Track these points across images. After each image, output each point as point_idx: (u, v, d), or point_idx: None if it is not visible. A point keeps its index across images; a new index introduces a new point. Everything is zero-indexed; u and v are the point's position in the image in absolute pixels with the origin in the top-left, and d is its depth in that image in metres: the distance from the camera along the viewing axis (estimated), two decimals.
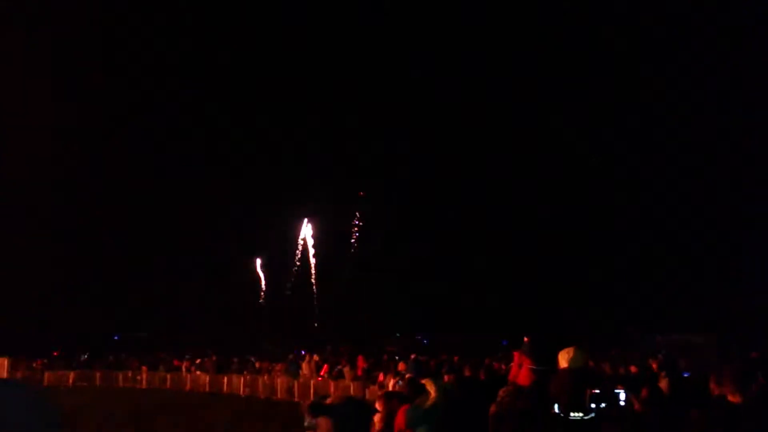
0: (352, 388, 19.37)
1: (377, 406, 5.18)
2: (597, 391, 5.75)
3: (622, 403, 5.72)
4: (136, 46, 59.67)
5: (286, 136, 61.58)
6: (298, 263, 60.15)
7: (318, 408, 2.92)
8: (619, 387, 5.76)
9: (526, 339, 8.02)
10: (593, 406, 5.53)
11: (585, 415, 6.26)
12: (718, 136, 44.35)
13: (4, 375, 18.71)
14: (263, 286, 62.15)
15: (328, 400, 3.04)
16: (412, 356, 16.40)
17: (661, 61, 50.48)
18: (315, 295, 60.51)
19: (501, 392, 6.01)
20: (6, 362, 29.68)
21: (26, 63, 50.65)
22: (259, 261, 61.68)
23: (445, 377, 8.64)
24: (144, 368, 31.82)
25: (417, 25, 59.75)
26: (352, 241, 59.04)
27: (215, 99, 60.77)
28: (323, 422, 2.85)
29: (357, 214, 58.72)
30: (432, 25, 59.64)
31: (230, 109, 60.68)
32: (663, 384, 10.58)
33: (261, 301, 62.18)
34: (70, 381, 32.11)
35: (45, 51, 52.90)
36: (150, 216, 57.28)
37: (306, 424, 2.92)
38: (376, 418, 4.66)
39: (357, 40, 60.24)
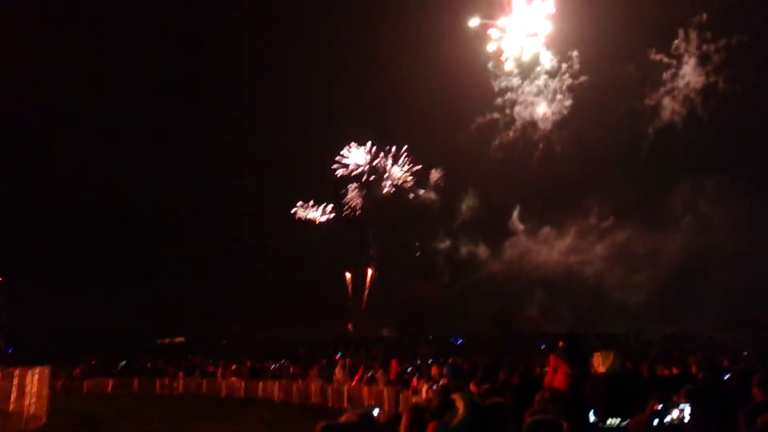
0: (385, 393, 19.27)
1: (403, 419, 5.10)
2: (659, 407, 5.50)
3: (686, 419, 5.44)
4: None
5: None
6: None
7: (331, 429, 2.82)
8: (682, 400, 5.54)
9: (561, 343, 7.90)
10: (656, 423, 5.28)
11: (622, 421, 6.12)
12: None
13: (46, 383, 19.09)
14: None
15: (342, 418, 2.94)
16: (450, 360, 16.25)
17: None
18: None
19: (537, 397, 5.91)
20: (47, 371, 30.16)
21: None
22: None
23: (473, 387, 8.49)
24: (181, 374, 32.13)
25: None
26: None
27: None
28: None
29: None
30: None
31: None
32: (700, 386, 10.32)
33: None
34: (109, 388, 32.54)
35: None
36: (189, 222, 57.83)
37: None
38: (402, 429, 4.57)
39: None
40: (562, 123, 49.43)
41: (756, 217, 39.90)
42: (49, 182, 54.92)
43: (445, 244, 57.37)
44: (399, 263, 58.79)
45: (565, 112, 48.95)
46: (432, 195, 58.15)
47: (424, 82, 51.24)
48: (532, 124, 50.50)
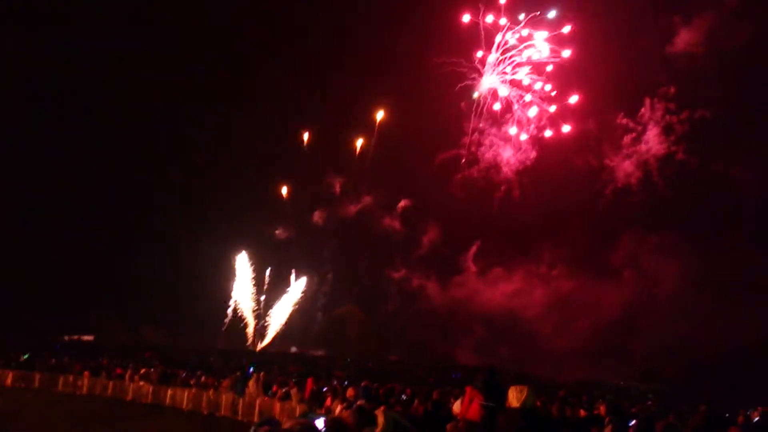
0: (298, 411, 19.05)
1: None
2: None
3: None
4: None
5: None
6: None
7: None
8: None
9: (479, 375, 8.01)
10: None
11: None
12: None
13: None
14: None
15: (286, 425, 2.87)
16: (363, 383, 16.23)
17: None
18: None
19: (448, 427, 5.97)
20: None
21: None
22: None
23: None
24: (86, 373, 30.87)
25: None
26: None
27: None
28: None
29: None
30: None
31: None
32: (608, 430, 10.66)
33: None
34: (9, 381, 31.04)
35: None
36: (105, 211, 55.88)
37: None
38: None
39: None
40: (524, 171, 50.93)
41: (694, 276, 42.11)
42: None
43: (399, 274, 58.11)
44: (346, 286, 58.80)
45: (528, 163, 50.46)
46: (397, 224, 58.60)
47: (397, 111, 52.21)
48: (496, 166, 51.86)
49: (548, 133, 48.02)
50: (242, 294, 58.12)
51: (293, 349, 56.82)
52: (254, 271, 58.19)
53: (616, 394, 36.60)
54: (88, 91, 55.86)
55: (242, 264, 58.81)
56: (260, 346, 57.95)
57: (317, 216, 60.03)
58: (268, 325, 57.98)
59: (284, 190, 58.77)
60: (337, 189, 60.21)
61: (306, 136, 57.57)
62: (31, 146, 55.18)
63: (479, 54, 47.60)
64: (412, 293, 56.70)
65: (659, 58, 47.45)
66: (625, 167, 48.91)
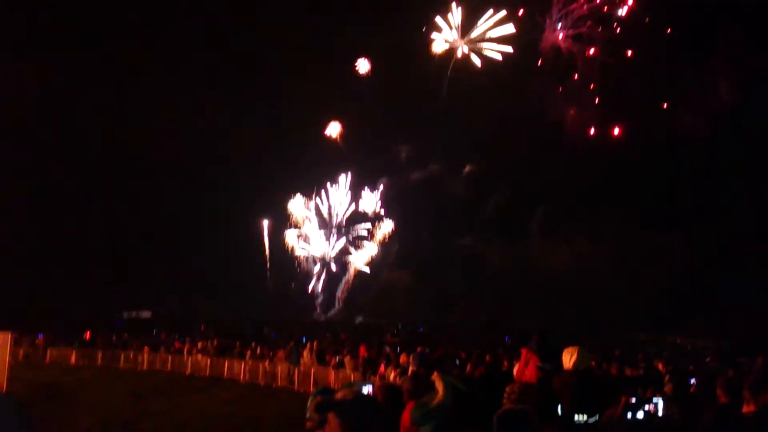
0: (352, 378, 19.28)
1: (378, 398, 5.03)
2: (633, 400, 5.50)
3: (660, 413, 5.48)
4: None
5: None
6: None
7: (327, 406, 2.70)
8: (657, 395, 5.57)
9: (534, 336, 7.91)
10: (629, 416, 5.30)
11: (590, 416, 6.14)
12: None
13: (8, 350, 18.71)
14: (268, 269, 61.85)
15: (338, 395, 2.84)
16: (419, 349, 16.33)
17: None
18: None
19: (507, 389, 5.89)
20: (9, 337, 29.68)
21: None
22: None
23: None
24: (146, 349, 31.81)
25: None
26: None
27: None
28: (333, 420, 2.66)
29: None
30: None
31: None
32: (668, 388, 10.46)
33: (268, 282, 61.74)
34: (72, 359, 32.15)
35: None
36: (154, 194, 56.45)
37: (309, 419, 2.71)
38: None
39: None
40: None
41: None
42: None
43: (464, 241, 57.75)
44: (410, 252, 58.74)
45: None
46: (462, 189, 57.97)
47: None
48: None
49: None
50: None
51: (359, 319, 57.17)
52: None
53: (672, 350, 36.06)
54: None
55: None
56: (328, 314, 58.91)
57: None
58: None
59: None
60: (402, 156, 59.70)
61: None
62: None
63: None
64: (474, 259, 56.15)
65: None
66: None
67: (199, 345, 31.42)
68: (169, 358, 30.43)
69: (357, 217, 59.92)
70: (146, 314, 57.35)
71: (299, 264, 60.38)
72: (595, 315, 43.90)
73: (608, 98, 49.64)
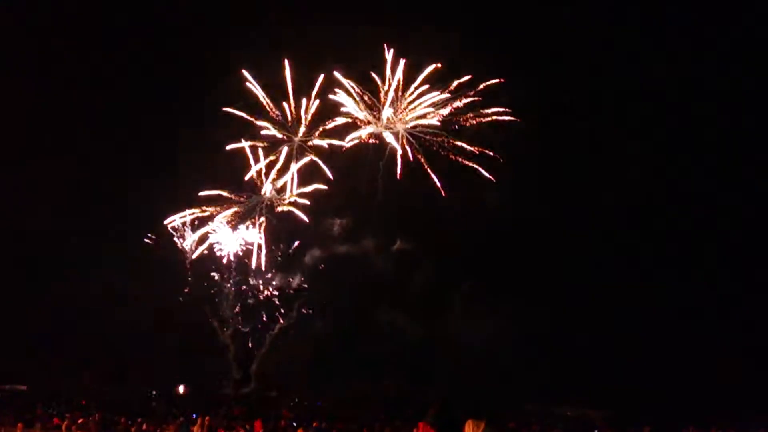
0: None
1: None
2: None
3: None
4: None
5: None
6: None
7: None
8: None
9: (430, 409, 7.82)
10: None
11: None
12: None
13: None
14: None
15: None
16: (315, 424, 15.97)
17: None
18: None
19: None
20: None
21: None
22: None
23: None
24: (20, 425, 29.59)
25: None
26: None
27: None
28: None
29: None
30: None
31: None
32: None
33: None
34: None
35: None
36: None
37: None
38: None
39: None
40: None
41: None
42: None
43: (384, 315, 57.09)
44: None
45: None
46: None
47: None
48: None
49: None
50: None
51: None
52: None
53: (565, 422, 37.00)
54: None
55: None
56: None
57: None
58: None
59: None
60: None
61: None
62: None
63: None
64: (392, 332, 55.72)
65: None
66: None
67: (80, 421, 29.53)
68: None
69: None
70: (21, 387, 53.58)
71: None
72: (493, 387, 44.62)
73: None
